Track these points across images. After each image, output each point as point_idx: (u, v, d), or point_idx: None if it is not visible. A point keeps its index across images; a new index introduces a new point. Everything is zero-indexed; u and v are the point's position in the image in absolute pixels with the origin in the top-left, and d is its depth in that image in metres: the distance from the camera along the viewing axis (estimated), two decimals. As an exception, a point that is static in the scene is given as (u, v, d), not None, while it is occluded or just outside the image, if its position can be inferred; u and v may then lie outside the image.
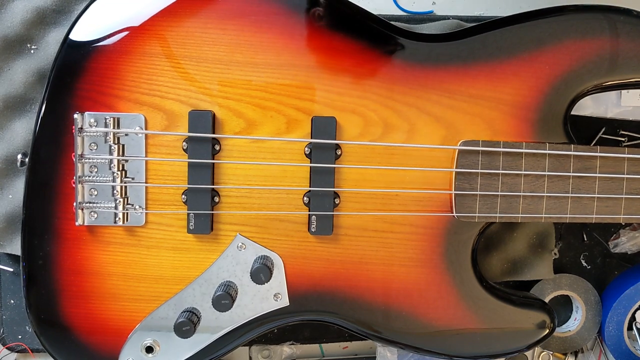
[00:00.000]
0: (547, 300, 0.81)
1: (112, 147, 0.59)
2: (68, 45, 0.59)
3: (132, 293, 0.62)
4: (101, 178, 0.60)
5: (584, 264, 0.84)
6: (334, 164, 0.61)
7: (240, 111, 0.61)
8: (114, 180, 0.60)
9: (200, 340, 0.63)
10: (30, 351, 0.77)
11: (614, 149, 0.64)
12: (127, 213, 0.61)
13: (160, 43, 0.59)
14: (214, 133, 0.60)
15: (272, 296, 0.63)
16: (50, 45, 0.72)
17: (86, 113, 0.59)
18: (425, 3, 0.82)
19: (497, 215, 0.63)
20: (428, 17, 0.81)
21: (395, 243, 0.63)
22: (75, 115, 0.58)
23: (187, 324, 0.60)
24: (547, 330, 0.66)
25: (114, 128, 0.59)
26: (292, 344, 0.81)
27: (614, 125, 0.81)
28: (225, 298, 0.60)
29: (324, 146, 0.61)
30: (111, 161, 0.59)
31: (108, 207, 0.60)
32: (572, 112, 0.64)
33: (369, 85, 0.61)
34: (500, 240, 0.79)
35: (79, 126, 0.58)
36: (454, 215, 0.63)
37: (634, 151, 0.64)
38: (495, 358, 0.68)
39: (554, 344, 0.83)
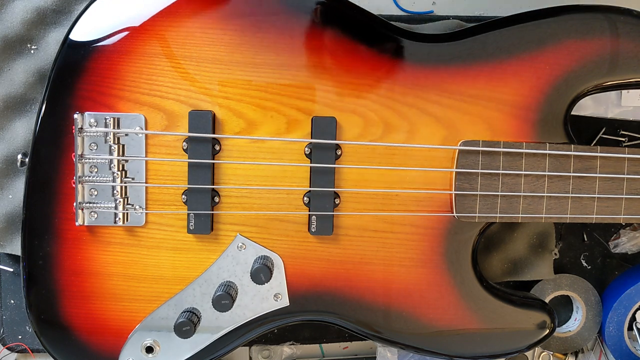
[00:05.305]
0: (547, 300, 0.81)
1: (112, 147, 0.59)
2: (68, 45, 0.59)
3: (132, 293, 0.62)
4: (101, 178, 0.60)
5: (585, 264, 0.84)
6: (334, 164, 0.61)
7: (241, 111, 0.61)
8: (114, 181, 0.60)
9: (201, 340, 0.63)
10: (30, 351, 0.77)
11: (614, 149, 0.64)
12: (127, 213, 0.61)
13: (160, 43, 0.59)
14: (214, 133, 0.60)
15: (272, 296, 0.63)
16: (50, 45, 0.72)
17: (86, 113, 0.59)
18: (425, 3, 0.82)
19: (498, 215, 0.63)
20: (428, 17, 0.81)
21: (395, 243, 0.63)
22: (75, 115, 0.58)
23: (187, 324, 0.60)
24: (548, 331, 0.66)
25: (114, 128, 0.59)
26: (292, 344, 0.81)
27: (615, 126, 0.81)
28: (225, 298, 0.60)
29: (324, 146, 0.61)
30: (111, 161, 0.59)
31: (108, 207, 0.60)
32: (573, 112, 0.64)
33: (369, 86, 0.61)
34: (500, 241, 0.79)
35: (79, 126, 0.58)
36: (454, 216, 0.63)
37: (634, 151, 0.64)
38: (496, 358, 0.68)
39: (554, 344, 0.83)
